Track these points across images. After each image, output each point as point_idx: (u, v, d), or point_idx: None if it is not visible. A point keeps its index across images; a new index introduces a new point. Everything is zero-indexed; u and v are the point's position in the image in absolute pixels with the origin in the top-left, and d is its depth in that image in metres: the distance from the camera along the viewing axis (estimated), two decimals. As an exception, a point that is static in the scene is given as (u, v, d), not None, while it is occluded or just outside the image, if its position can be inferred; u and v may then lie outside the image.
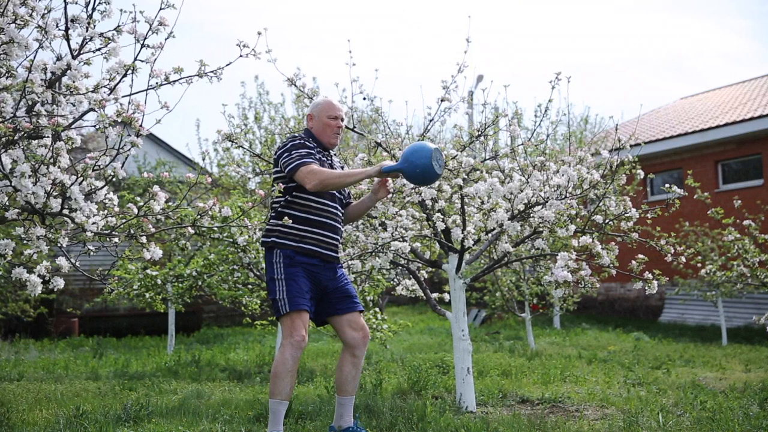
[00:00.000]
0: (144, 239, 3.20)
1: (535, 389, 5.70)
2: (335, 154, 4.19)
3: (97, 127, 2.92)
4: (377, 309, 7.57)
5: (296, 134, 4.00)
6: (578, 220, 4.86)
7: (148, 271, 8.12)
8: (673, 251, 4.53)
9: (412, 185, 4.65)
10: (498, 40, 49.19)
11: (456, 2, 49.91)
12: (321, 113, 3.97)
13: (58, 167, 2.99)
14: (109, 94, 3.01)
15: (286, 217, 3.62)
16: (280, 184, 3.65)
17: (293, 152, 3.75)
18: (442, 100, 5.10)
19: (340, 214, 3.96)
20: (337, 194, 3.93)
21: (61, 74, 3.04)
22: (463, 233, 4.73)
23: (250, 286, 8.08)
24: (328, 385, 5.57)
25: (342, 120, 4.00)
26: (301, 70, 5.70)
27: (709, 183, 13.61)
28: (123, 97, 3.06)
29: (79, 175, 2.99)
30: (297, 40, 54.42)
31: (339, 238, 3.92)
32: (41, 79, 2.97)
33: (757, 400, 5.06)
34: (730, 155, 13.79)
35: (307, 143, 3.86)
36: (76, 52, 3.10)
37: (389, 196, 4.73)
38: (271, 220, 3.84)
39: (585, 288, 4.19)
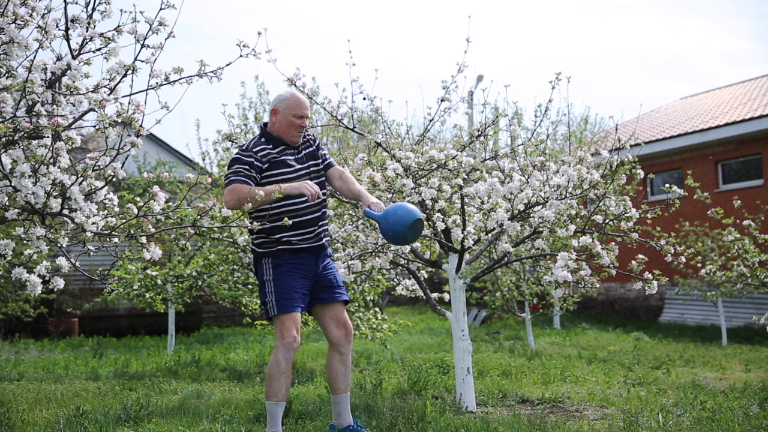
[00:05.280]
0: (144, 239, 3.21)
1: (535, 389, 5.70)
2: (321, 147, 3.94)
3: (97, 127, 2.92)
4: (377, 309, 7.57)
5: (244, 143, 3.85)
6: (578, 220, 4.85)
7: (148, 271, 8.11)
8: (673, 251, 4.53)
9: (411, 186, 4.66)
10: (498, 40, 49.18)
11: (456, 2, 49.92)
12: (287, 110, 3.78)
13: (58, 167, 2.99)
14: (109, 94, 3.01)
15: (285, 218, 3.48)
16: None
17: (228, 169, 3.73)
18: (442, 100, 5.10)
19: (316, 203, 3.78)
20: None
21: (61, 74, 3.04)
22: (463, 233, 4.73)
23: (250, 286, 8.08)
24: (328, 385, 5.57)
25: (307, 118, 3.80)
26: (300, 70, 5.69)
27: (709, 183, 13.60)
28: (123, 97, 3.06)
29: (79, 175, 2.99)
30: (297, 40, 54.43)
31: (319, 227, 3.80)
32: (41, 79, 2.97)
33: (757, 400, 5.06)
34: (730, 155, 13.78)
35: (244, 157, 3.69)
36: (76, 52, 3.10)
37: (390, 196, 4.74)
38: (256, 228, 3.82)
39: (585, 288, 4.19)
